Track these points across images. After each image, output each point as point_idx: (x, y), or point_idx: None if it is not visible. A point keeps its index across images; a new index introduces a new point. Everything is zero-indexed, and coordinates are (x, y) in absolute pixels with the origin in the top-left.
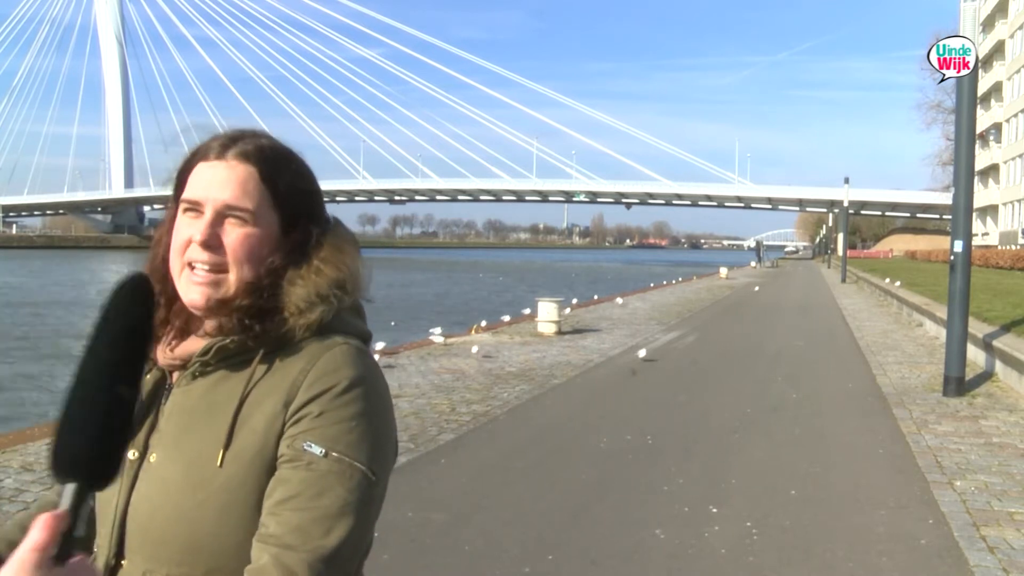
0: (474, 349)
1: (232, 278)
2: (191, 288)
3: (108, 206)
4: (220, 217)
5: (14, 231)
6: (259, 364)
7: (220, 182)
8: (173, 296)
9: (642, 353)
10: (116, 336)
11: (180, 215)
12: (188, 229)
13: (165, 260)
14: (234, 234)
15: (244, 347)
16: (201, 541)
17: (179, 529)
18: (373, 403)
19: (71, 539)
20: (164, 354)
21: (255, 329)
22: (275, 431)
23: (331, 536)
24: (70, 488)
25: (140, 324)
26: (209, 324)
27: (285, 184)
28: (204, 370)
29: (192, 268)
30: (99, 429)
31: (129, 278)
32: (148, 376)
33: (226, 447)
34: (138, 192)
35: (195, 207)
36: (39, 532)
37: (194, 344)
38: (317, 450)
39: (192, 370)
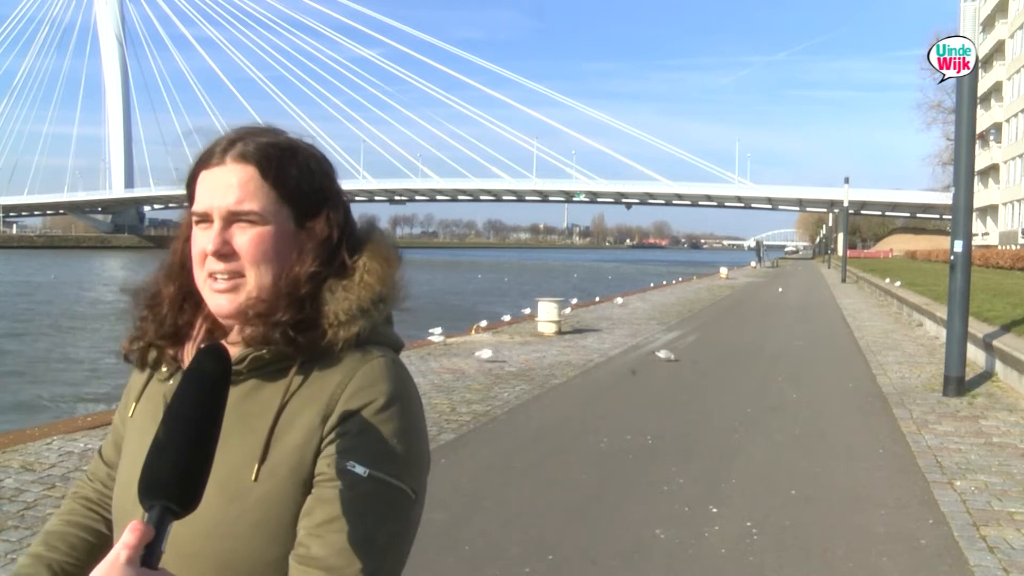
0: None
1: (251, 281)
2: (214, 297)
3: (108, 206)
4: (228, 224)
5: (14, 231)
6: (295, 375)
7: (223, 188)
8: (199, 301)
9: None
10: (198, 393)
11: (194, 227)
12: (202, 240)
13: (185, 264)
14: (245, 238)
15: (279, 357)
16: (234, 557)
17: (212, 544)
18: (410, 418)
19: (156, 552)
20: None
21: (299, 341)
22: (312, 446)
23: (375, 557)
24: (155, 510)
25: (217, 384)
26: (233, 336)
27: (290, 178)
28: (236, 379)
29: (214, 278)
30: (185, 460)
31: (210, 348)
32: (172, 380)
33: (262, 461)
34: (138, 192)
35: (204, 218)
36: (129, 533)
37: None
38: (360, 470)
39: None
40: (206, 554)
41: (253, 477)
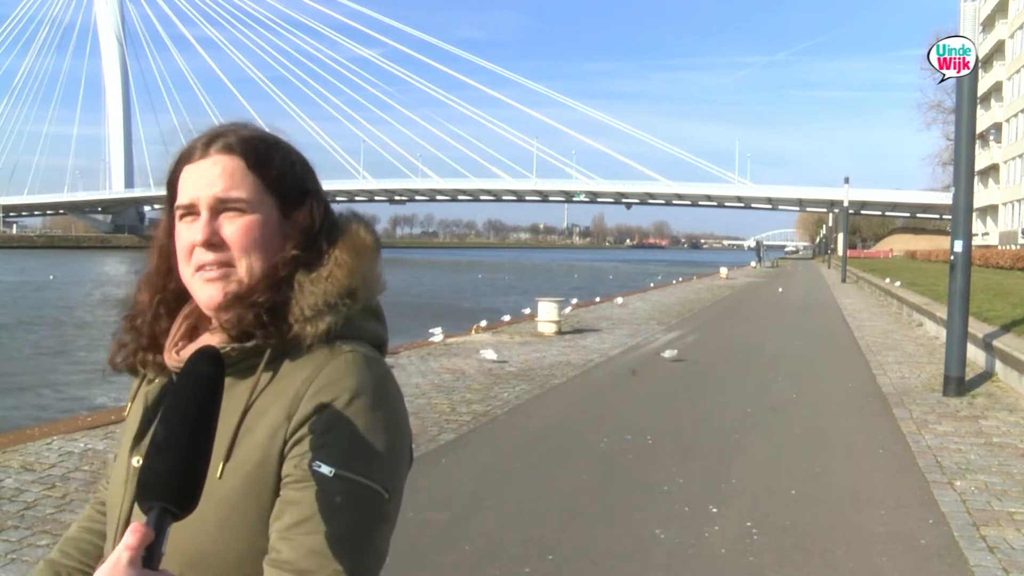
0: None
1: (241, 270)
2: (204, 288)
3: (108, 206)
4: (216, 213)
5: (14, 231)
6: (263, 372)
7: (209, 179)
8: (175, 302)
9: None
10: (193, 395)
11: (179, 222)
12: (189, 233)
13: (161, 270)
14: (233, 226)
15: (246, 355)
16: (202, 553)
17: (180, 540)
18: (382, 414)
19: (157, 553)
20: (170, 358)
21: (269, 327)
22: (277, 443)
23: (347, 559)
24: (153, 512)
25: (212, 386)
26: (216, 325)
27: (275, 168)
28: None
29: (203, 269)
30: (183, 461)
31: (204, 351)
32: (156, 381)
33: (227, 459)
34: (138, 192)
35: (190, 210)
36: (130, 535)
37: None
38: (327, 470)
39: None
40: (172, 553)
41: (218, 475)
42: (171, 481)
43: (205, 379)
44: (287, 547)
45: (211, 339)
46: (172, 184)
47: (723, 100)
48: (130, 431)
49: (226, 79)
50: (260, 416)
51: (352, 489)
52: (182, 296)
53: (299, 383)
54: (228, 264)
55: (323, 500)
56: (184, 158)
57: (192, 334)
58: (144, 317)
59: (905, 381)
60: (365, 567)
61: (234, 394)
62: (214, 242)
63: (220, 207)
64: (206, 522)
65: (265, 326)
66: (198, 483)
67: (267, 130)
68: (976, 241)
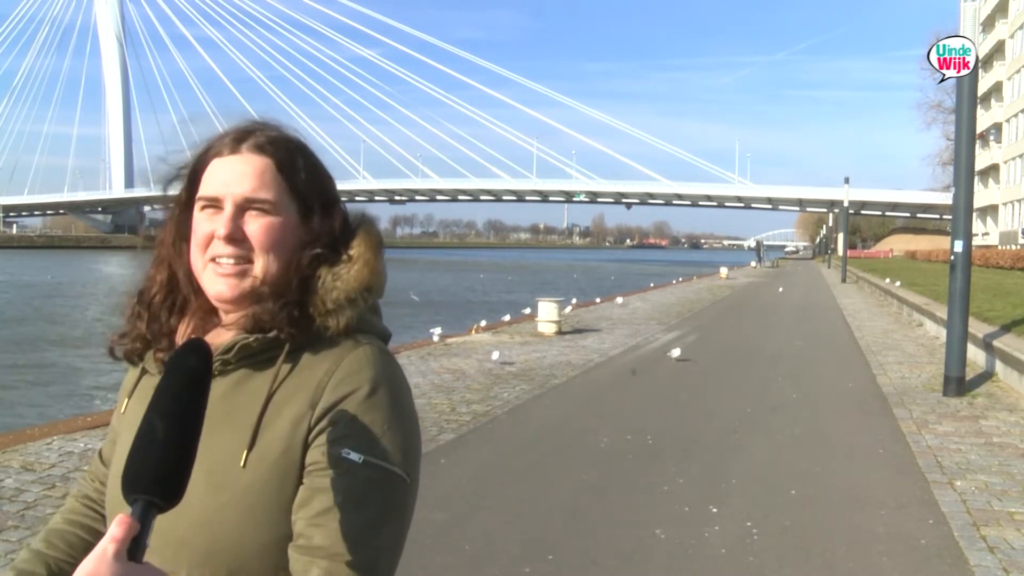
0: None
1: (257, 268)
2: (217, 281)
3: (108, 206)
4: (241, 210)
5: (14, 231)
6: (283, 363)
7: (238, 176)
8: (187, 295)
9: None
10: (181, 388)
11: (198, 212)
12: (209, 225)
13: (173, 254)
14: (256, 225)
15: (267, 345)
16: (223, 543)
17: (200, 531)
18: (400, 403)
19: (142, 545)
20: None
21: (301, 322)
22: (300, 434)
23: (378, 543)
24: (139, 504)
25: (199, 379)
26: (230, 319)
27: (302, 173)
28: (225, 368)
29: (217, 263)
30: (168, 455)
31: (191, 343)
32: (159, 375)
33: (250, 448)
34: (138, 192)
35: (214, 203)
36: (116, 527)
37: (214, 340)
38: (355, 457)
39: (213, 368)
40: (194, 542)
41: (242, 464)
42: (156, 474)
43: (191, 371)
44: (319, 533)
45: (225, 333)
46: (195, 172)
47: (723, 100)
48: (134, 427)
49: (226, 79)
50: (282, 406)
51: (379, 475)
52: (192, 288)
53: (321, 374)
54: (246, 260)
55: (353, 486)
56: (213, 150)
57: (203, 329)
58: (159, 299)
59: (905, 381)
60: (394, 551)
61: (254, 384)
62: (236, 237)
63: (246, 205)
64: (229, 512)
65: (295, 323)
66: (184, 476)
67: (292, 132)
68: (976, 241)
